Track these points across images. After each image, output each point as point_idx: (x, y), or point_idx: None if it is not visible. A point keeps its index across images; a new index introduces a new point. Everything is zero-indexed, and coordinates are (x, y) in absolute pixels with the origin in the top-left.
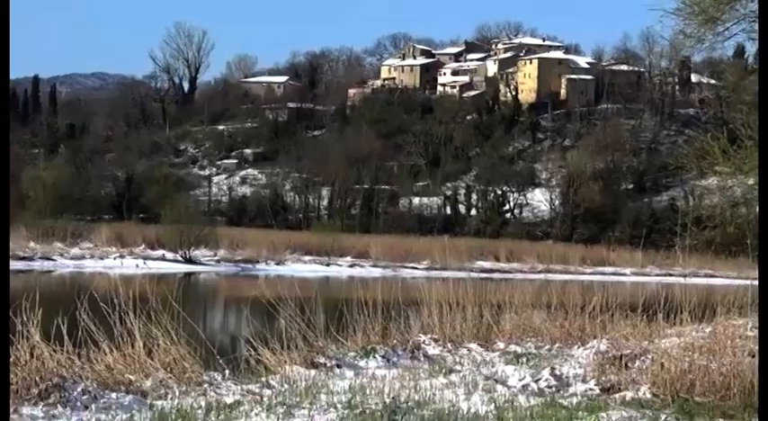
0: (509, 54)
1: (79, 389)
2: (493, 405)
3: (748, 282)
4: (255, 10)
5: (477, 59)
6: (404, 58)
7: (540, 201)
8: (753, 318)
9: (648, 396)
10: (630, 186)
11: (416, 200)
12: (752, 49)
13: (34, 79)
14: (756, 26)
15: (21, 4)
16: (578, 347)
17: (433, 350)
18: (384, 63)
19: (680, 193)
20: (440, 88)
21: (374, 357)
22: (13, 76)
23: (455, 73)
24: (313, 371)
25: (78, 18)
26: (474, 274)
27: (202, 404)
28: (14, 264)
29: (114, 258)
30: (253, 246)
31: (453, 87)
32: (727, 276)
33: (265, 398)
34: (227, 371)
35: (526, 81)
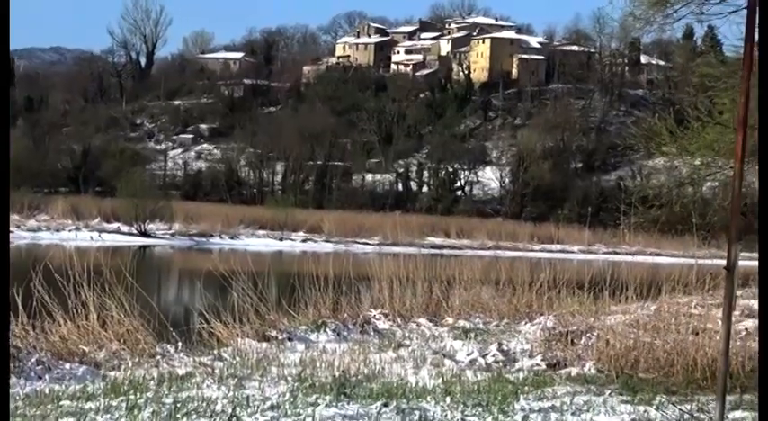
0: (462, 33)
1: (33, 360)
2: (441, 379)
3: (693, 260)
4: None
5: (431, 38)
6: (358, 37)
7: (490, 178)
8: (697, 297)
9: (593, 372)
10: (579, 165)
11: (369, 176)
12: (700, 31)
13: None
14: (705, 8)
15: None
16: (525, 323)
17: (382, 325)
18: (339, 41)
19: (628, 173)
20: (393, 66)
21: (325, 331)
22: None
23: (409, 52)
24: (264, 344)
25: None
26: (424, 251)
27: (155, 375)
28: None
29: (70, 231)
30: (207, 220)
31: (407, 66)
32: (673, 255)
33: (217, 370)
34: (179, 344)
35: (478, 60)
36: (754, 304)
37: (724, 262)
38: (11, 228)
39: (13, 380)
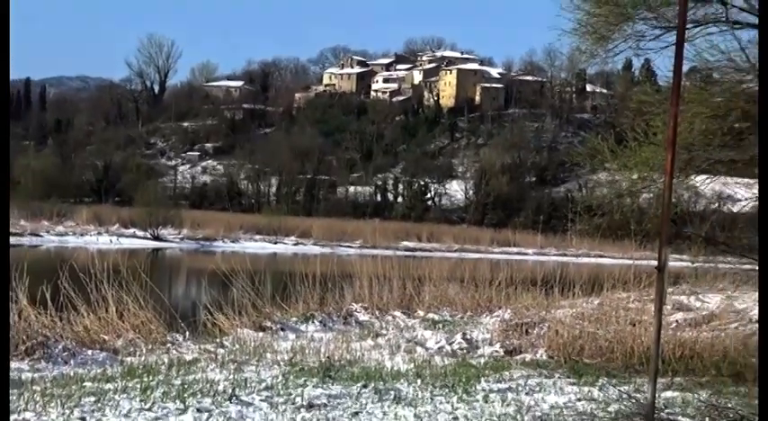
0: (432, 65)
1: (60, 347)
2: (413, 364)
3: (630, 261)
4: (217, 23)
5: (405, 69)
6: (342, 68)
7: (456, 190)
8: (634, 293)
9: (545, 357)
10: (533, 179)
11: (351, 188)
12: (637, 63)
13: (26, 81)
14: (642, 44)
15: (14, 15)
16: (486, 316)
17: (363, 317)
18: (326, 71)
19: (575, 186)
20: (373, 93)
21: (313, 322)
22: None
23: (386, 81)
24: (260, 334)
25: (64, 27)
26: (399, 253)
27: (165, 360)
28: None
29: (92, 235)
30: (211, 226)
31: (384, 93)
32: (613, 257)
33: (219, 356)
34: (187, 333)
35: (446, 88)
36: (683, 299)
37: (656, 263)
38: (40, 233)
39: (42, 364)
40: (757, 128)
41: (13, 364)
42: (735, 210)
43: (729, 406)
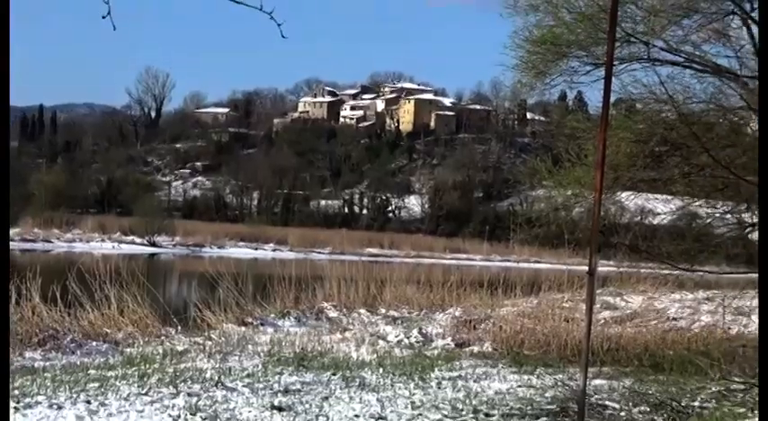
0: (393, 95)
1: (68, 339)
2: (375, 355)
3: (565, 266)
4: (206, 57)
5: (370, 98)
6: (315, 97)
7: (413, 204)
8: (567, 294)
9: (490, 349)
10: (481, 195)
11: (322, 202)
12: (571, 94)
13: (40, 107)
14: (575, 78)
15: (31, 51)
16: (439, 313)
17: (332, 313)
18: (300, 100)
19: (517, 200)
20: (342, 119)
21: (288, 318)
22: (23, 104)
23: (353, 108)
24: (243, 328)
25: (73, 59)
26: (364, 258)
27: (160, 351)
28: (22, 245)
29: (97, 242)
30: (200, 234)
31: (351, 119)
32: (550, 262)
33: (207, 348)
34: (179, 327)
35: (405, 115)
36: (610, 300)
37: (587, 268)
38: (51, 240)
39: (53, 354)
40: (677, 151)
41: (27, 354)
42: (655, 222)
43: (650, 392)
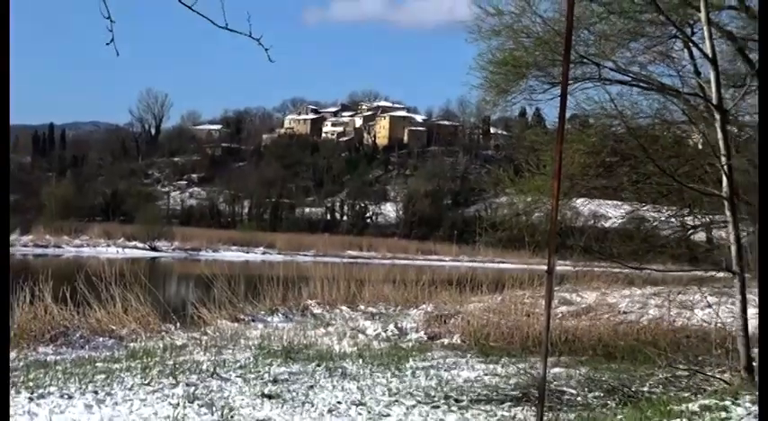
0: (370, 112)
1: (77, 335)
2: (356, 347)
3: (526, 266)
4: (202, 79)
5: (349, 116)
6: (299, 114)
7: (389, 210)
8: (528, 291)
9: (459, 342)
10: (450, 202)
11: (307, 209)
12: (530, 111)
13: (50, 126)
14: (534, 96)
15: (42, 74)
16: (413, 309)
17: (316, 310)
18: (286, 117)
19: (482, 207)
20: (324, 135)
21: (277, 315)
22: (35, 123)
23: (334, 125)
24: (236, 324)
25: (79, 79)
26: (345, 260)
27: (161, 345)
28: (35, 251)
29: (102, 247)
30: (197, 239)
31: (333, 134)
32: (513, 263)
33: (203, 342)
34: (177, 324)
35: (381, 130)
36: (567, 295)
37: (546, 267)
38: (61, 245)
39: (63, 349)
40: (626, 161)
41: (41, 349)
42: (606, 225)
43: (603, 379)
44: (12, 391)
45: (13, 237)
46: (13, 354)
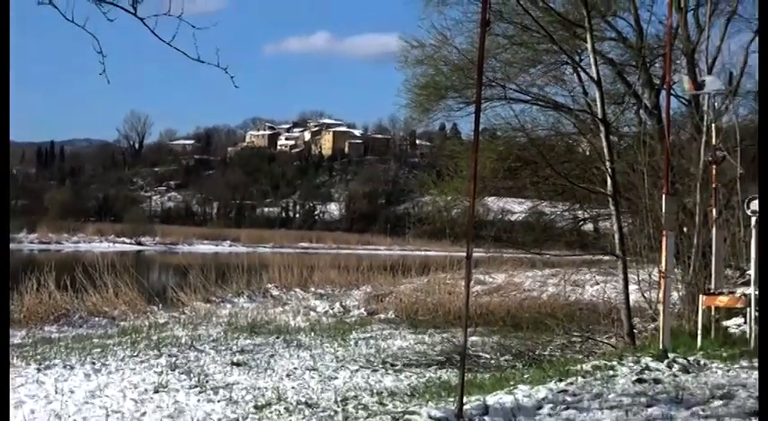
0: (317, 128)
1: (77, 316)
2: (308, 322)
3: (447, 253)
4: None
5: (300, 131)
6: (258, 130)
7: (334, 209)
8: (450, 274)
9: (393, 316)
10: (384, 201)
11: (266, 209)
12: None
13: (51, 143)
14: (452, 114)
15: (44, 98)
16: (355, 290)
17: (275, 292)
18: (248, 133)
19: (410, 205)
20: (279, 147)
21: (242, 297)
22: (38, 140)
23: (287, 139)
24: (208, 305)
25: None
26: (298, 250)
27: (146, 323)
28: (39, 246)
29: (96, 242)
30: (175, 235)
31: (286, 147)
32: (436, 251)
33: (182, 320)
34: (160, 305)
35: (326, 143)
36: (481, 277)
37: (465, 253)
38: (62, 242)
39: (65, 328)
40: (527, 166)
41: (45, 328)
42: (512, 218)
43: (512, 345)
44: (22, 363)
45: (20, 235)
46: (22, 333)
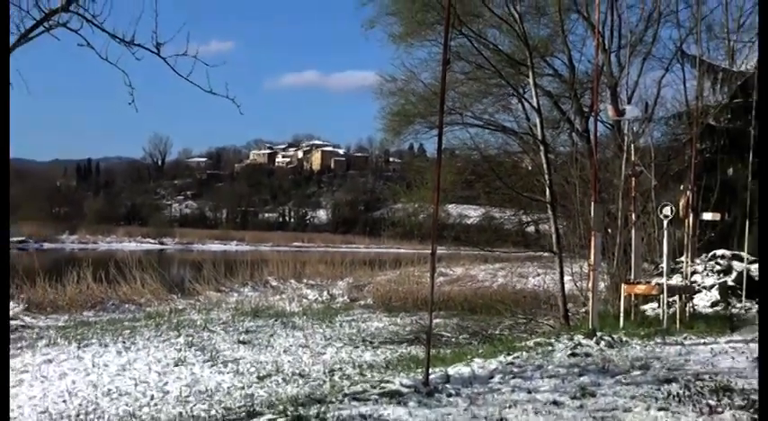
0: (308, 148)
1: (110, 303)
2: (301, 307)
3: (415, 251)
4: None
5: (294, 150)
6: (260, 150)
7: (322, 215)
8: (418, 267)
9: (371, 303)
10: (363, 208)
11: (266, 215)
12: (416, 145)
13: (88, 160)
14: (419, 136)
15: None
16: (340, 281)
17: (275, 283)
18: (251, 152)
19: (385, 211)
20: (277, 164)
21: (247, 286)
22: (78, 158)
23: (284, 157)
24: (219, 294)
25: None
26: (292, 249)
27: (168, 309)
28: (79, 246)
29: (127, 243)
30: (191, 236)
31: (283, 163)
32: (406, 249)
33: (197, 306)
34: (179, 294)
35: (315, 160)
36: (444, 270)
37: (429, 251)
38: (97, 242)
39: (101, 313)
40: (481, 178)
41: (84, 313)
42: (469, 222)
43: (469, 326)
44: (65, 342)
45: (63, 236)
46: (65, 317)
